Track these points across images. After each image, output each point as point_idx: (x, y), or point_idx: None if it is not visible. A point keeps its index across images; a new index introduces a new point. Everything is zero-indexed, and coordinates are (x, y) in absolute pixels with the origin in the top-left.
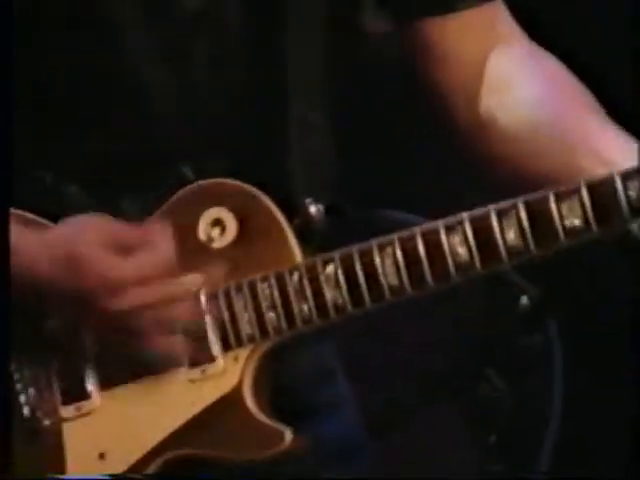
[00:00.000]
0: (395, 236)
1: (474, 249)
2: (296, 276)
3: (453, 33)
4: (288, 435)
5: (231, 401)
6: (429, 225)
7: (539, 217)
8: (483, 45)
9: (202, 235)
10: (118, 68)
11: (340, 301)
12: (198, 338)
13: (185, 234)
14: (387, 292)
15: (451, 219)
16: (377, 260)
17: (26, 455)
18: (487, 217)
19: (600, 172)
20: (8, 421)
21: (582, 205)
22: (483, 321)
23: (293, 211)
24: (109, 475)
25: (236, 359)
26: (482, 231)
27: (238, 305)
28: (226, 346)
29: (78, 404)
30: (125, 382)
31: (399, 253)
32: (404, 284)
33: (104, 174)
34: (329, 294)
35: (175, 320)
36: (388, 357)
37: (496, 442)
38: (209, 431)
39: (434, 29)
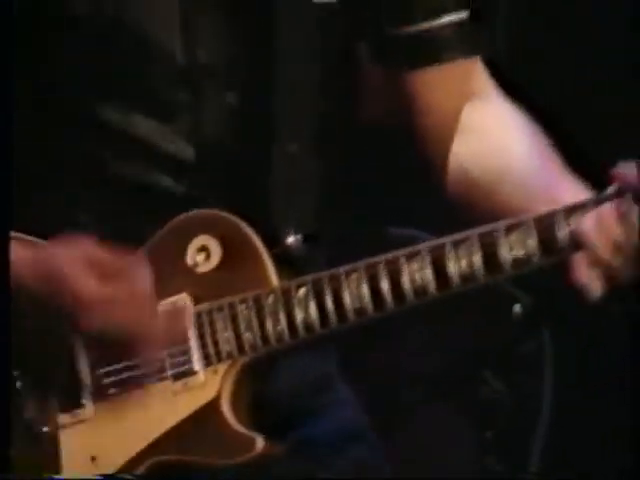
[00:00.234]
0: (362, 263)
1: (430, 276)
2: (271, 298)
3: (435, 84)
4: (260, 442)
5: (210, 411)
6: (392, 254)
7: (490, 248)
8: (460, 96)
9: (189, 260)
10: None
11: (309, 321)
12: (181, 353)
13: (175, 258)
14: (351, 314)
15: (410, 249)
16: (344, 285)
17: (26, 457)
18: (443, 247)
19: None
20: (8, 425)
21: (528, 237)
22: (479, 328)
23: (274, 240)
24: (100, 476)
25: (215, 372)
26: (438, 260)
27: (219, 324)
28: (207, 361)
29: (74, 412)
30: (115, 394)
31: (364, 278)
32: (366, 307)
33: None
34: (299, 315)
35: (162, 338)
36: (391, 360)
37: (492, 439)
38: (189, 438)
39: (418, 80)
